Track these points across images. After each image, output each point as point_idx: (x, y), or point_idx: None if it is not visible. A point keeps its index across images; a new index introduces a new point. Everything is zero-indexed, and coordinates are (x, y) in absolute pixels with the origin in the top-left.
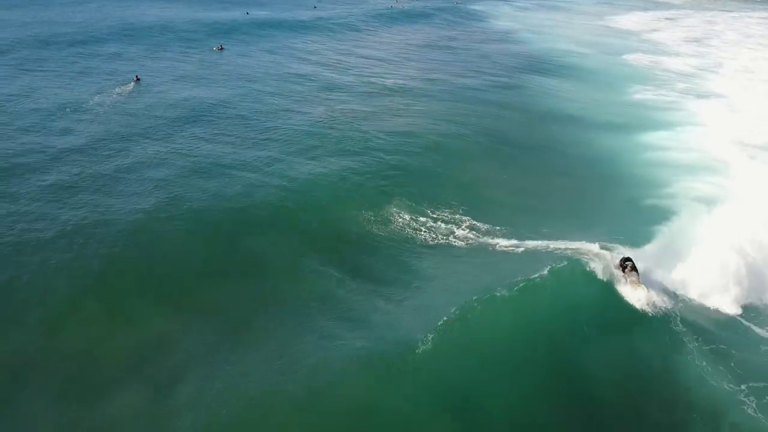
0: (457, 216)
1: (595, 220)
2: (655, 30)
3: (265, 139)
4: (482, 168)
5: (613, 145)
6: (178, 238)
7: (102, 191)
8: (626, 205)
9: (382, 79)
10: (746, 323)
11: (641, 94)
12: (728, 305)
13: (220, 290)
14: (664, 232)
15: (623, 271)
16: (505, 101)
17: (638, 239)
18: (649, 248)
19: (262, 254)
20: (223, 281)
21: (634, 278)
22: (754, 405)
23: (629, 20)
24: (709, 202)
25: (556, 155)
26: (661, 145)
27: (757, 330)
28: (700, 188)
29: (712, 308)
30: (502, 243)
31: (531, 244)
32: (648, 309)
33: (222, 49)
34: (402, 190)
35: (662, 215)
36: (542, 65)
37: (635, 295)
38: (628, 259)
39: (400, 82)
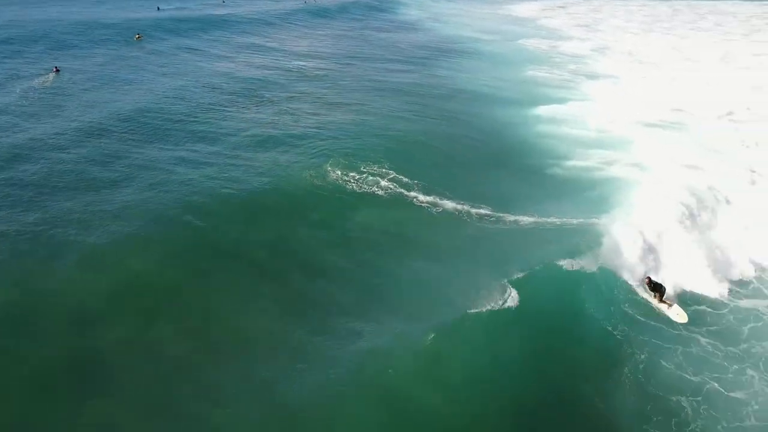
0: (383, 170)
1: (498, 183)
2: (548, 17)
3: (191, 133)
4: (403, 133)
5: (514, 115)
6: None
7: None
8: (519, 171)
9: (304, 68)
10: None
11: (537, 72)
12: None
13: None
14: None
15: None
16: (419, 81)
17: (527, 201)
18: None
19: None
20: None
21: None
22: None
23: (525, 9)
24: (599, 169)
25: (464, 125)
26: (555, 118)
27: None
28: (593, 156)
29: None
30: (421, 197)
31: (439, 197)
32: None
33: (140, 37)
34: (337, 152)
35: (557, 180)
36: (448, 50)
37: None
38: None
39: (322, 69)
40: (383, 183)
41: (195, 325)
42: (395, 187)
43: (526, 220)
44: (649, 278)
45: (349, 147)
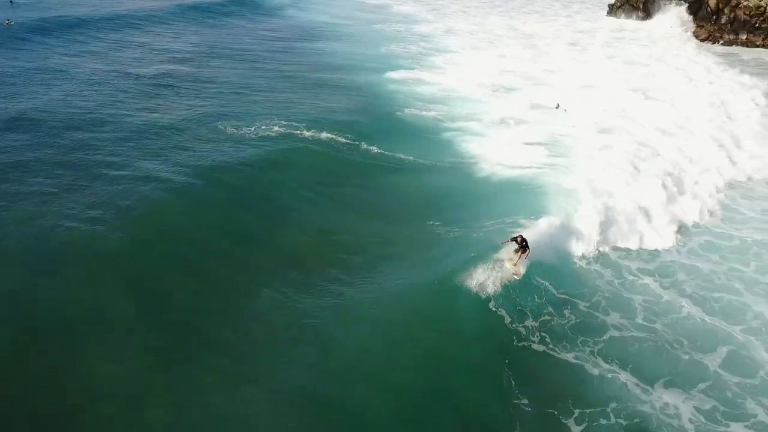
0: (274, 122)
1: (359, 122)
2: (399, 4)
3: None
4: (283, 96)
5: (372, 79)
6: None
7: None
8: (375, 114)
9: (180, 56)
10: None
11: (392, 48)
12: None
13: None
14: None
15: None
16: (290, 59)
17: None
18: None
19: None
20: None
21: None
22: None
23: None
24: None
25: (330, 87)
26: (406, 80)
27: None
28: (435, 108)
29: None
30: (305, 133)
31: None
32: None
33: (10, 23)
34: (228, 110)
35: (404, 122)
36: (312, 34)
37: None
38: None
39: (202, 58)
40: (275, 128)
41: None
42: (285, 129)
43: (375, 149)
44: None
45: (242, 112)
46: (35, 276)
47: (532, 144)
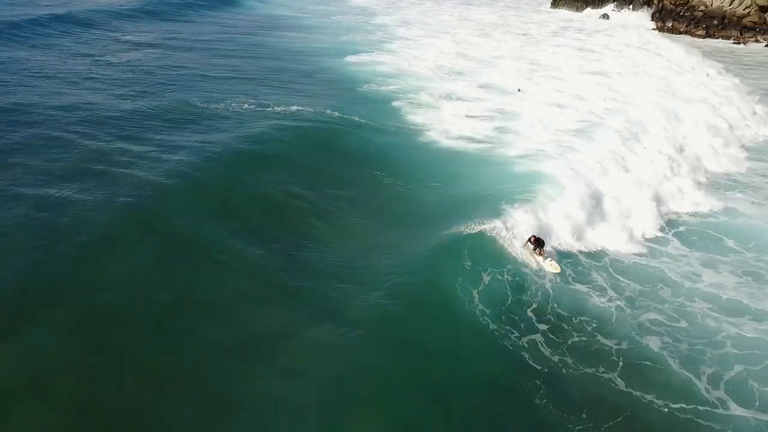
0: (243, 100)
1: (322, 99)
2: None
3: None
4: (250, 80)
5: (333, 63)
6: None
7: None
8: (335, 89)
9: (148, 46)
10: None
11: (350, 37)
12: None
13: None
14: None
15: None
16: (253, 47)
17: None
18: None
19: None
20: None
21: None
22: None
23: None
24: (397, 93)
25: (294, 71)
26: (364, 62)
27: None
28: (392, 84)
29: None
30: (275, 108)
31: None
32: None
33: None
34: (199, 94)
35: (365, 96)
36: (274, 25)
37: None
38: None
39: (168, 48)
40: (246, 105)
41: None
42: (255, 105)
43: (337, 114)
44: (534, 236)
45: (214, 94)
46: None
47: (479, 116)
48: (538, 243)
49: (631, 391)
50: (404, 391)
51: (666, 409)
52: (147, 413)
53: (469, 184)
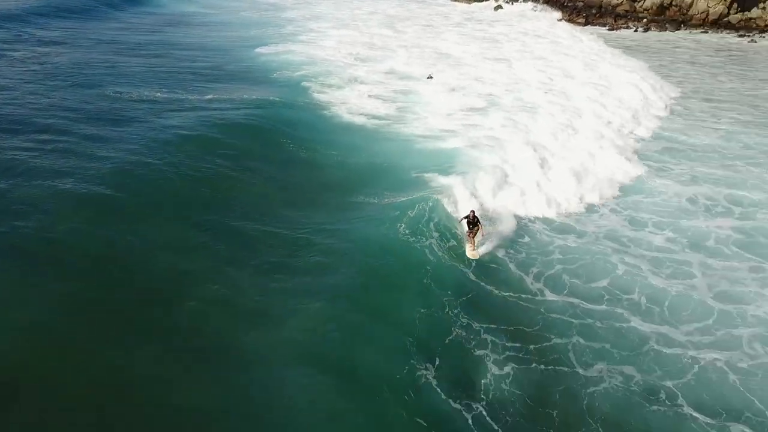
0: (156, 90)
1: (241, 81)
2: None
3: None
4: (161, 72)
5: (244, 54)
6: None
7: None
8: (257, 77)
9: (55, 44)
10: None
11: (261, 31)
12: None
13: None
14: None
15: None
16: (163, 43)
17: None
18: None
19: None
20: None
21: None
22: None
23: None
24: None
25: (206, 64)
26: (277, 52)
27: None
28: (303, 70)
29: None
30: (189, 97)
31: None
32: None
33: None
34: (113, 87)
35: (276, 81)
36: (181, 21)
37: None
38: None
39: (77, 45)
40: (159, 95)
41: None
42: (169, 96)
43: (254, 96)
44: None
45: (129, 84)
46: None
47: (383, 97)
48: (473, 222)
49: (480, 283)
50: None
51: (503, 297)
52: None
53: (369, 154)
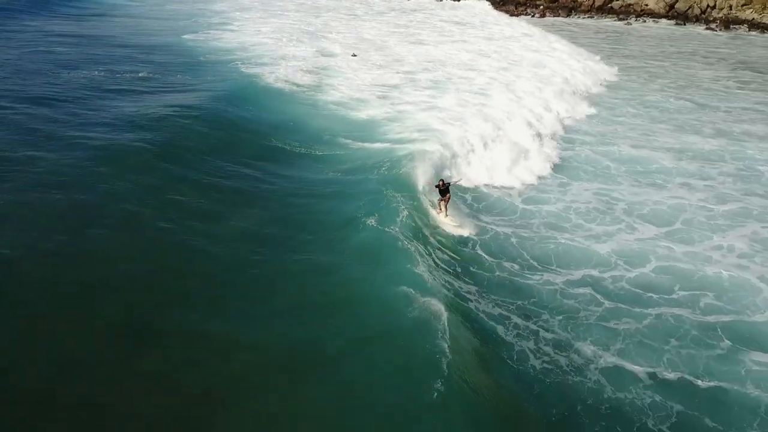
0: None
1: (173, 64)
2: None
3: None
4: (92, 57)
5: (172, 41)
6: None
7: None
8: (186, 61)
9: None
10: None
11: (191, 21)
12: None
13: None
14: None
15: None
16: (87, 33)
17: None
18: None
19: None
20: None
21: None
22: None
23: None
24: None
25: (136, 49)
26: (206, 39)
27: None
28: (234, 53)
29: None
30: (125, 75)
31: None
32: None
33: None
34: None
35: (206, 63)
36: (106, 12)
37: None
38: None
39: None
40: (95, 74)
41: None
42: (104, 76)
43: (176, 74)
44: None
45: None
46: None
47: (309, 70)
48: (444, 190)
49: None
50: None
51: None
52: None
53: (285, 113)
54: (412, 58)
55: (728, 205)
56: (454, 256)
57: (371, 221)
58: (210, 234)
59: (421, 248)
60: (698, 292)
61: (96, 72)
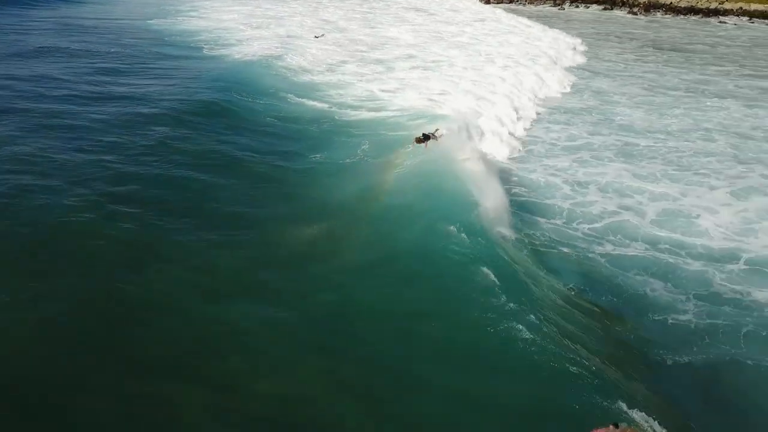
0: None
1: (142, 48)
2: None
3: None
4: (66, 34)
5: (140, 26)
6: None
7: None
8: (154, 42)
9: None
10: None
11: (159, 9)
12: None
13: None
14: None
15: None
16: (53, 18)
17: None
18: None
19: None
20: None
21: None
22: None
23: None
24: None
25: (104, 32)
26: (174, 24)
27: None
28: (202, 35)
29: None
30: (95, 49)
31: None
32: None
33: None
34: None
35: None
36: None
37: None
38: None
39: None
40: (71, 46)
41: None
42: (78, 51)
43: (145, 51)
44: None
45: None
46: None
47: (271, 47)
48: (424, 138)
49: None
50: None
51: None
52: None
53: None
54: (369, 39)
55: (577, 141)
56: None
57: (315, 155)
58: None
59: None
60: None
61: (73, 48)
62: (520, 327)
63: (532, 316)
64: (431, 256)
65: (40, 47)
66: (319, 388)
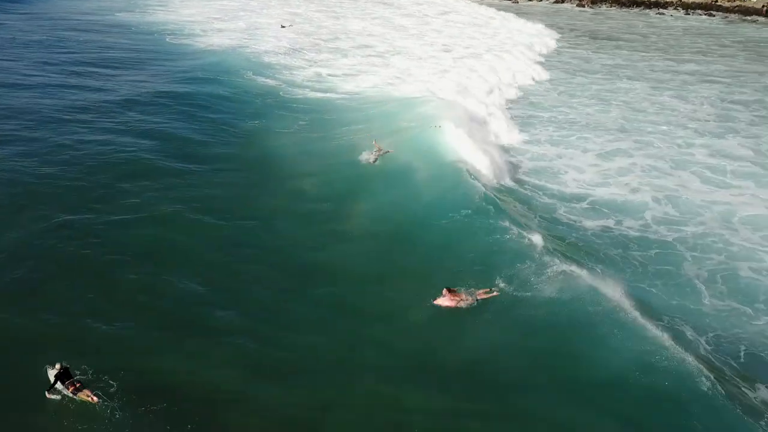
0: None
1: (110, 37)
2: None
3: None
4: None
5: (107, 19)
6: None
7: None
8: (122, 30)
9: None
10: None
11: (128, 3)
12: None
13: None
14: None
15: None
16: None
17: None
18: None
19: None
20: None
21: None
22: None
23: None
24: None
25: (72, 23)
26: (143, 17)
27: None
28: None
29: None
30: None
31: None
32: None
33: None
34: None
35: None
36: None
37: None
38: None
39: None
40: (58, 31)
41: None
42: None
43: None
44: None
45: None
46: None
47: (237, 36)
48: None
49: None
50: None
51: None
52: None
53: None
54: (333, 28)
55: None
56: None
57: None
58: None
59: None
60: None
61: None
62: None
63: None
64: None
65: (8, 38)
66: None
